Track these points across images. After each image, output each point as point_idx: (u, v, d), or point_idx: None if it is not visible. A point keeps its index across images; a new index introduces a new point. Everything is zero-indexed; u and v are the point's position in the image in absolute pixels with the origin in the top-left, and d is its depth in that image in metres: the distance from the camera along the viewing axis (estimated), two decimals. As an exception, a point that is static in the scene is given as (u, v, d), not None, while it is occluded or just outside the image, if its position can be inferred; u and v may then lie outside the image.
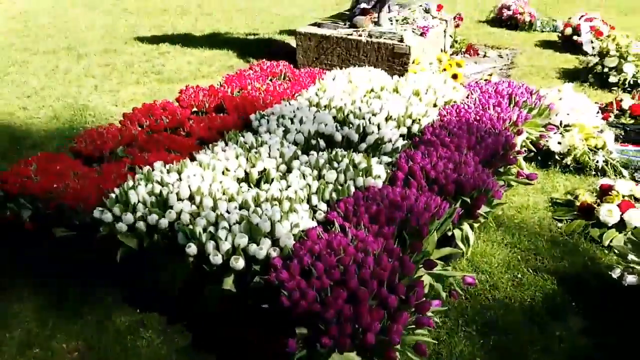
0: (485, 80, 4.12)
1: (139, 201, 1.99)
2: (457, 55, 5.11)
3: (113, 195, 2.05)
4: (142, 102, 3.95)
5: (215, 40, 5.73)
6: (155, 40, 5.67)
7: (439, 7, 5.06)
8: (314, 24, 4.89)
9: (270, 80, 3.66)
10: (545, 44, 5.59)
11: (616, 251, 2.33)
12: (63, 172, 2.34)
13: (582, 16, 5.40)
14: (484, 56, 5.23)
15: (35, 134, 3.53)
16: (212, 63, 5.00)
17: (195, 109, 3.21)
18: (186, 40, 5.70)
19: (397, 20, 4.73)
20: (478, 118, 2.81)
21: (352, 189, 2.10)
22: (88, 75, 4.59)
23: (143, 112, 3.04)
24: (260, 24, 6.57)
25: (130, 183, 2.10)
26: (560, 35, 5.49)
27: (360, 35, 4.49)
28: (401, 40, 4.34)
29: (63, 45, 5.44)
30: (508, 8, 6.14)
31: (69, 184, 2.23)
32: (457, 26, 5.35)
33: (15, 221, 2.23)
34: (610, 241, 2.45)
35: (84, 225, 2.10)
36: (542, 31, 6.00)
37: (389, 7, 4.79)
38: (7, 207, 2.26)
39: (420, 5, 5.07)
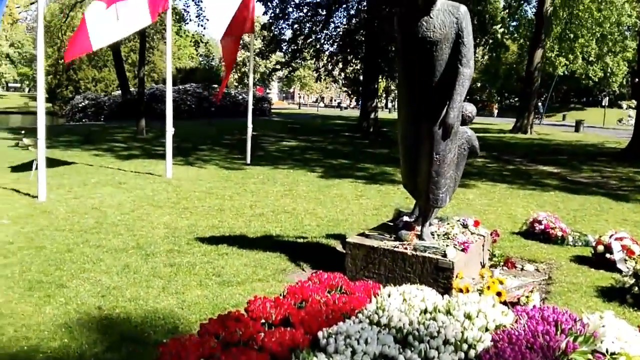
0: (527, 297, 4.38)
1: None
2: (495, 268, 5.44)
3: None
4: (205, 306, 4.34)
5: (267, 242, 6.25)
6: (213, 240, 6.22)
7: (476, 223, 5.55)
8: (362, 234, 5.39)
9: (329, 292, 3.99)
10: (579, 260, 5.90)
11: None
12: (154, 386, 2.58)
13: (612, 235, 5.80)
14: (522, 269, 5.54)
15: (110, 336, 3.80)
16: (266, 266, 5.42)
17: (263, 321, 3.50)
18: (241, 241, 6.24)
19: (438, 235, 5.19)
20: (529, 346, 3.02)
21: (424, 421, 2.26)
22: (156, 275, 5.02)
23: (218, 322, 3.34)
24: (307, 226, 7.15)
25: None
26: (592, 252, 5.83)
27: (405, 249, 4.91)
28: (444, 255, 4.72)
29: (132, 243, 6.00)
30: (540, 222, 6.61)
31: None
32: (494, 241, 5.78)
33: None
34: None
35: None
36: (575, 246, 6.36)
37: (429, 222, 5.30)
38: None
39: (458, 220, 5.58)
